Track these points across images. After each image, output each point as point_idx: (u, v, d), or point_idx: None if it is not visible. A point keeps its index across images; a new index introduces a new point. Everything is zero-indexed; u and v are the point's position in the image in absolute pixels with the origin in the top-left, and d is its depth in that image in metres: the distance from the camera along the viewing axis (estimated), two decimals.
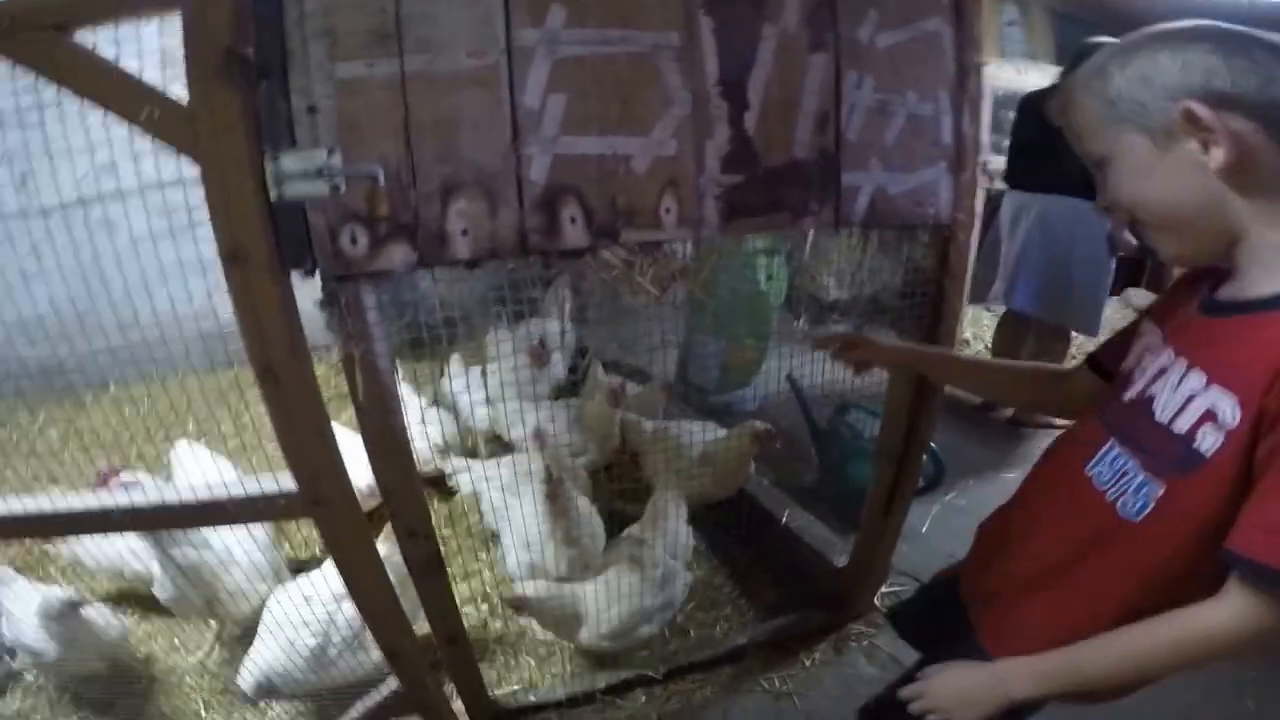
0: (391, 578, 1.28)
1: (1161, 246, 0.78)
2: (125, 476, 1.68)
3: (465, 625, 1.45)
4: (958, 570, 1.14)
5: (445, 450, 2.46)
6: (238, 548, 1.62)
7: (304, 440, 1.06)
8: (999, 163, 3.27)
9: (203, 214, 0.93)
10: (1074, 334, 2.92)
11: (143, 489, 1.13)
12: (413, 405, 2.11)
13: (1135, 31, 0.75)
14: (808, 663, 1.74)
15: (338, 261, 1.00)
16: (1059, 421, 2.53)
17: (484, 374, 2.63)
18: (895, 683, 1.18)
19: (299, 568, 1.84)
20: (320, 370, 1.09)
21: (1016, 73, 3.50)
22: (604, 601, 1.60)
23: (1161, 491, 0.75)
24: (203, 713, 1.70)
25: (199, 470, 2.09)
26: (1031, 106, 2.75)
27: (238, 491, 1.10)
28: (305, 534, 2.18)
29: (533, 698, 1.65)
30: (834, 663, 1.74)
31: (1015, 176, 2.88)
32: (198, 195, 0.92)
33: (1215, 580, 0.71)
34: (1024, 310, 2.80)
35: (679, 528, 1.84)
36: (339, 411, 1.17)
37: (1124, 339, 0.94)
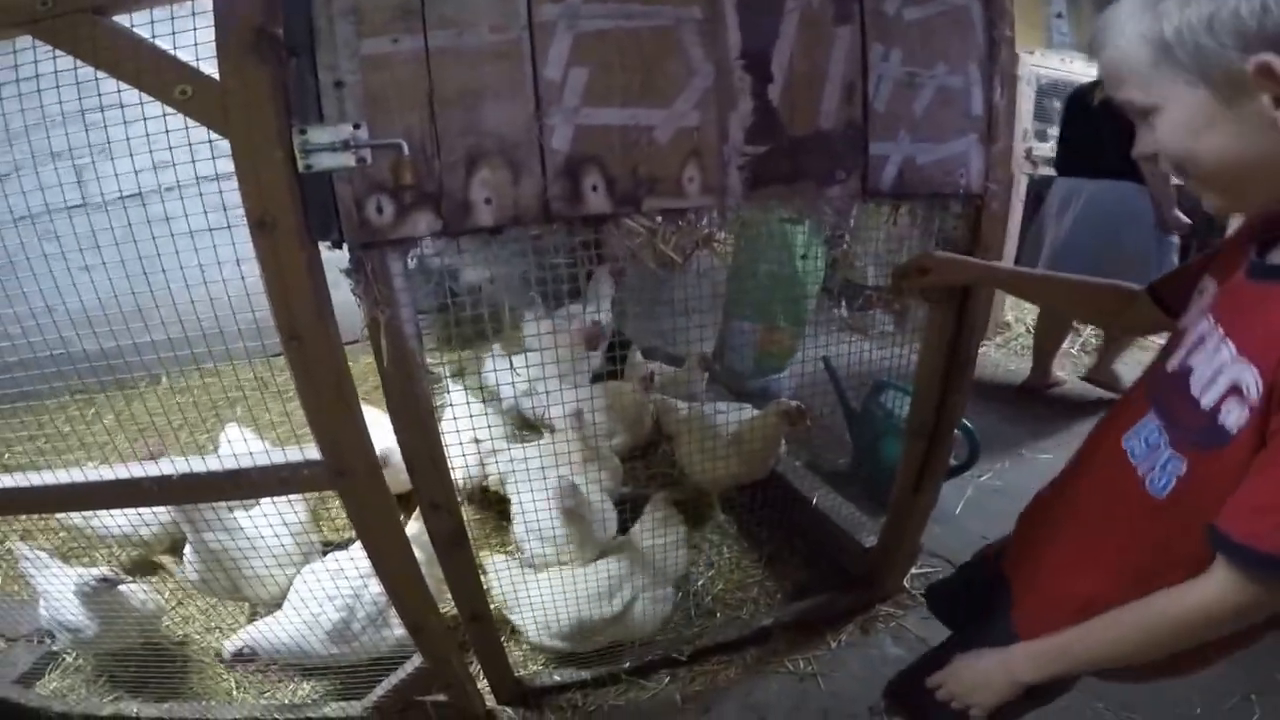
0: (419, 554, 1.32)
1: (1210, 200, 0.74)
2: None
3: (490, 604, 1.49)
4: (996, 549, 1.15)
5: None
6: (269, 530, 1.68)
7: (327, 406, 1.10)
8: (1042, 149, 3.30)
9: None
10: None
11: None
12: (462, 413, 2.16)
13: None
14: (834, 644, 1.76)
15: (363, 230, 1.05)
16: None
17: (525, 356, 2.70)
18: (922, 660, 1.20)
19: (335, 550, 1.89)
20: (367, 360, 1.14)
21: (1061, 61, 3.49)
22: (550, 596, 1.61)
23: (1184, 469, 0.74)
24: (234, 691, 1.78)
25: (246, 452, 2.16)
26: (1080, 100, 2.81)
27: (264, 462, 1.14)
28: (344, 519, 2.24)
29: (557, 677, 1.69)
30: (860, 644, 1.76)
31: (1064, 165, 2.94)
32: None
33: None
34: None
35: (666, 546, 1.78)
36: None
37: (1185, 279, 0.92)
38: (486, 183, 1.09)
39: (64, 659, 1.90)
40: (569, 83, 1.09)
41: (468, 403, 2.39)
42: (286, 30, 0.95)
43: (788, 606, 1.87)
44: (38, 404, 2.90)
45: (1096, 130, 2.68)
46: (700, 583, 2.01)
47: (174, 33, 0.91)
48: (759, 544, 2.15)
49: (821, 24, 1.20)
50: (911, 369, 1.67)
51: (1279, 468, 0.64)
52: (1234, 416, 0.69)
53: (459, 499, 1.34)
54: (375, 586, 1.55)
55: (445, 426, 1.27)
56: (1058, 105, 3.46)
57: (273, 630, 1.58)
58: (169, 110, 0.95)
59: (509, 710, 1.65)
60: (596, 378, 2.87)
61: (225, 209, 1.07)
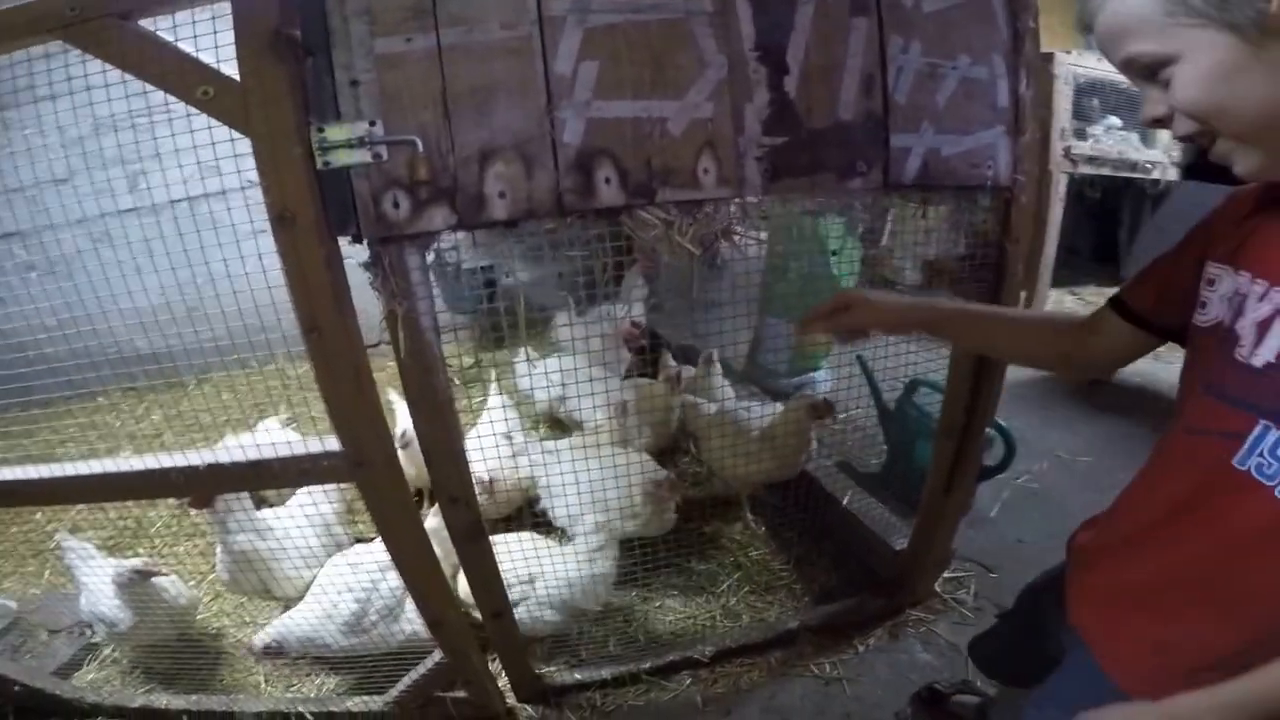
0: (438, 550, 1.36)
1: (1244, 160, 0.69)
2: None
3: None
4: (1040, 584, 1.08)
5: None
6: (296, 531, 1.75)
7: (346, 397, 1.15)
8: (1082, 148, 3.25)
9: None
10: None
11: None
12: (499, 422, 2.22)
13: None
14: (861, 648, 1.75)
15: (380, 224, 1.09)
16: None
17: (559, 359, 2.77)
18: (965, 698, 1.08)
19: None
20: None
21: (1098, 60, 3.44)
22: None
23: None
24: (263, 685, 1.84)
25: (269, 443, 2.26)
26: None
27: (285, 453, 1.19)
28: None
29: (578, 676, 1.71)
30: (888, 649, 1.74)
31: (1199, 169, 2.94)
32: None
33: None
34: None
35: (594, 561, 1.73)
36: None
37: (1168, 279, 0.86)
38: (500, 177, 1.13)
39: (102, 651, 1.99)
40: (579, 77, 1.12)
41: (503, 406, 2.44)
42: (303, 31, 1.00)
43: (814, 609, 1.86)
44: (90, 402, 3.09)
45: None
46: (726, 584, 2.01)
47: (195, 35, 0.96)
48: (787, 546, 2.15)
49: (837, 15, 1.21)
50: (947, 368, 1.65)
51: None
52: None
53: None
54: (392, 579, 1.60)
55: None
56: (1097, 104, 3.40)
57: (298, 624, 1.63)
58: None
59: (528, 708, 1.67)
60: (626, 376, 2.92)
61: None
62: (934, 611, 1.83)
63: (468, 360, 3.55)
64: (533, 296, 3.50)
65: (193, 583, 2.00)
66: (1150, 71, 0.69)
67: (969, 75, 1.34)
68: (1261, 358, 0.72)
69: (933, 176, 1.35)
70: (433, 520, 1.36)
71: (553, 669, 1.74)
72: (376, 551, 1.63)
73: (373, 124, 1.06)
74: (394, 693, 1.61)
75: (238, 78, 0.98)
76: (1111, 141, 3.49)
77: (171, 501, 2.51)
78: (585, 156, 1.14)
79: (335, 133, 1.05)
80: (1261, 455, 0.71)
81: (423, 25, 1.05)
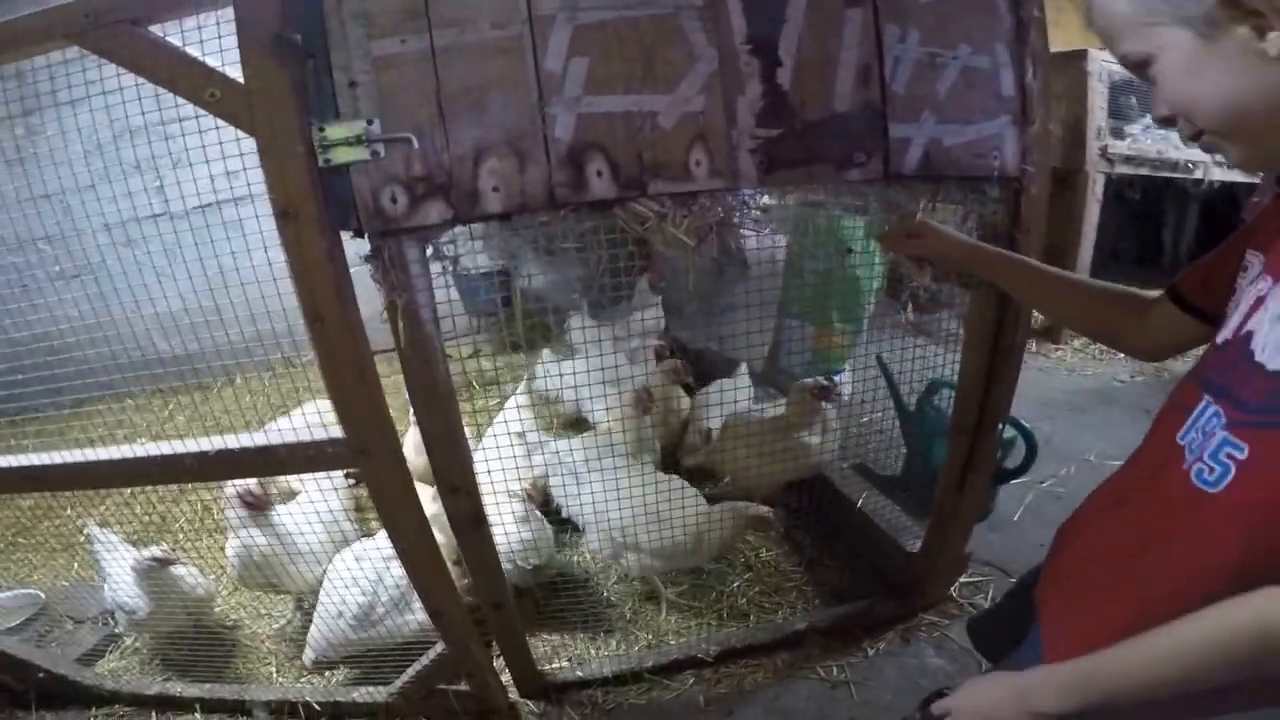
0: (440, 542, 1.43)
1: (1230, 153, 0.71)
2: None
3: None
4: (1037, 572, 1.07)
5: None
6: (307, 527, 1.85)
7: (347, 384, 1.23)
8: (1119, 147, 3.22)
9: None
10: None
11: None
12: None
13: None
14: (871, 652, 1.76)
15: (379, 219, 1.17)
16: None
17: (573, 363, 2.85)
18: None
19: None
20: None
21: None
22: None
23: (1245, 454, 0.66)
24: (275, 676, 1.95)
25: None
26: None
27: (291, 440, 1.28)
28: None
29: (580, 673, 1.77)
30: (899, 653, 1.76)
31: None
32: None
33: None
34: None
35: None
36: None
37: (1214, 267, 0.86)
38: (494, 172, 1.20)
39: (124, 641, 2.12)
40: (570, 73, 1.18)
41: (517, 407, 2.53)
42: (303, 34, 1.08)
43: (824, 611, 1.89)
44: (117, 402, 3.28)
45: None
46: (736, 584, 2.05)
47: (202, 40, 1.05)
48: (800, 548, 2.18)
49: (830, 7, 1.26)
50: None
51: None
52: None
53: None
54: (397, 570, 1.68)
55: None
56: (1135, 102, 3.37)
57: (320, 630, 1.73)
58: None
59: (530, 704, 1.73)
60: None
61: None
62: (949, 616, 1.84)
63: (474, 358, 3.66)
64: (549, 299, 3.60)
65: (212, 576, 2.11)
66: (1143, 68, 0.72)
67: (970, 64, 1.36)
68: (1223, 335, 0.75)
69: (935, 167, 1.37)
70: (433, 507, 1.44)
71: (555, 666, 1.80)
72: (382, 544, 1.71)
73: (370, 123, 1.13)
74: (398, 684, 1.69)
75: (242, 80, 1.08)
76: (1150, 140, 3.45)
77: (195, 499, 2.67)
78: (577, 151, 1.20)
79: (335, 131, 1.13)
80: (1196, 430, 0.73)
81: (417, 27, 1.12)
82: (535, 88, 1.18)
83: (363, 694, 1.72)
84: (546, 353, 3.15)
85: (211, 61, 1.08)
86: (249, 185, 1.23)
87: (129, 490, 2.69)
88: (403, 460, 1.33)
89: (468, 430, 2.46)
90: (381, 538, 1.72)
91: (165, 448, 1.31)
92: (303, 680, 1.90)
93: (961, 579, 1.90)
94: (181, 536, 2.49)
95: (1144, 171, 3.41)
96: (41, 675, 1.84)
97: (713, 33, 1.22)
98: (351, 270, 1.25)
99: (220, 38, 1.07)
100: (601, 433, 2.30)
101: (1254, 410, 0.66)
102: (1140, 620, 0.69)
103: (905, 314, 3.45)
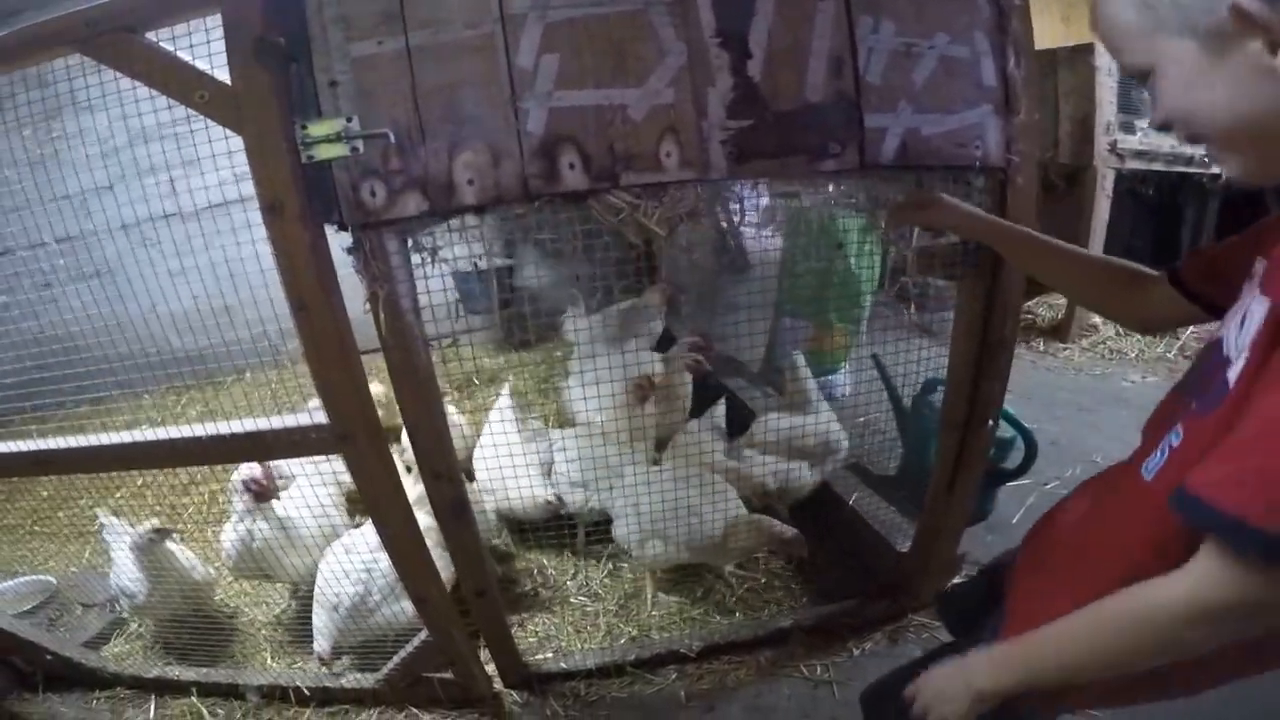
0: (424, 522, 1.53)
1: (1228, 165, 0.73)
2: None
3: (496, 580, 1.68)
4: (1014, 556, 1.13)
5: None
6: (301, 524, 1.98)
7: (329, 370, 1.33)
8: (1130, 142, 3.21)
9: None
10: None
11: None
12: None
13: None
14: (856, 652, 1.81)
15: (359, 211, 1.27)
16: None
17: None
18: (898, 671, 1.18)
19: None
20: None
21: None
22: None
23: (1179, 440, 0.70)
24: (269, 661, 2.07)
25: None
26: None
27: (278, 425, 1.39)
28: None
29: (563, 665, 1.85)
30: (885, 654, 1.80)
31: None
32: None
33: None
34: None
35: None
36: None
37: (1218, 260, 0.89)
38: (469, 165, 1.29)
39: (129, 626, 2.27)
40: (541, 69, 1.27)
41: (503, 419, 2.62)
42: (286, 37, 1.20)
43: (810, 609, 1.94)
44: (135, 400, 3.48)
45: None
46: (722, 579, 2.11)
47: (191, 45, 1.17)
48: None
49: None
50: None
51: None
52: (1236, 368, 0.65)
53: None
54: (386, 559, 1.78)
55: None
56: (1147, 96, 3.34)
57: (322, 622, 1.83)
58: None
59: (514, 694, 1.82)
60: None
61: None
62: (937, 617, 1.86)
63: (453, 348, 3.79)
64: (549, 297, 3.70)
65: (216, 564, 2.25)
66: (1144, 78, 0.75)
67: (948, 54, 1.41)
68: (1215, 335, 0.78)
69: (914, 156, 1.42)
70: (414, 490, 1.53)
71: (540, 657, 1.88)
72: (369, 534, 1.81)
73: (350, 120, 1.24)
74: (383, 671, 1.79)
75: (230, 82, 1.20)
76: (1162, 135, 3.42)
77: (204, 488, 2.83)
78: (549, 144, 1.29)
79: (317, 129, 1.24)
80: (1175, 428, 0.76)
81: (393, 29, 1.23)
82: (508, 84, 1.27)
83: (350, 680, 1.82)
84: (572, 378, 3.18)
85: (204, 65, 1.20)
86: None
87: (140, 481, 2.88)
88: (385, 445, 1.42)
89: (466, 424, 2.58)
90: (369, 528, 1.82)
91: (162, 433, 1.43)
92: (295, 666, 2.02)
93: (956, 580, 1.93)
94: (190, 526, 2.64)
95: (1157, 167, 3.38)
96: (49, 658, 1.99)
97: (681, 27, 1.29)
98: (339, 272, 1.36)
99: (209, 41, 1.18)
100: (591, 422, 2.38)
101: (1204, 402, 0.70)
102: (1083, 604, 0.74)
103: (909, 314, 3.48)
